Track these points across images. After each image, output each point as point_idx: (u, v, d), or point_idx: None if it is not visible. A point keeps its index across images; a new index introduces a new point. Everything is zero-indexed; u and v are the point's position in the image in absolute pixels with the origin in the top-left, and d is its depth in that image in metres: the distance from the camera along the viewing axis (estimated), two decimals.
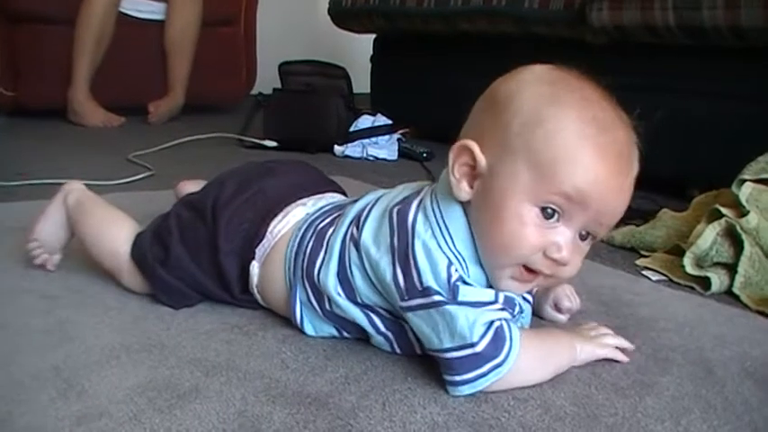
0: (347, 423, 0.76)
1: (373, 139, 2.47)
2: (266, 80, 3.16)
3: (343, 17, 2.95)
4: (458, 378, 0.81)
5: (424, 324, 0.83)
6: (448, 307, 0.80)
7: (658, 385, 0.87)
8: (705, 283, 1.23)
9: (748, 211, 1.24)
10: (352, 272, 0.90)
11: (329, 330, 0.96)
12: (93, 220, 1.15)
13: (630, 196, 0.85)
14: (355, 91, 2.79)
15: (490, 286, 0.86)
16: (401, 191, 0.95)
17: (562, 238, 0.82)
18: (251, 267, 1.01)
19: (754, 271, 1.22)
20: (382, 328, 0.91)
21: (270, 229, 1.01)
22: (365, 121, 2.51)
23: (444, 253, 0.83)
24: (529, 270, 0.84)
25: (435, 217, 0.85)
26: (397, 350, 0.92)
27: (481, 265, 0.86)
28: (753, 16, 1.62)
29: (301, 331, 0.97)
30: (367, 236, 0.89)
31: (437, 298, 0.81)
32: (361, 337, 0.95)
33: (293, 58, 2.89)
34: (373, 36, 3.05)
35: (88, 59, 3.00)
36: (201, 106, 3.36)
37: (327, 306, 0.93)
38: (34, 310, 1.02)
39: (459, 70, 2.63)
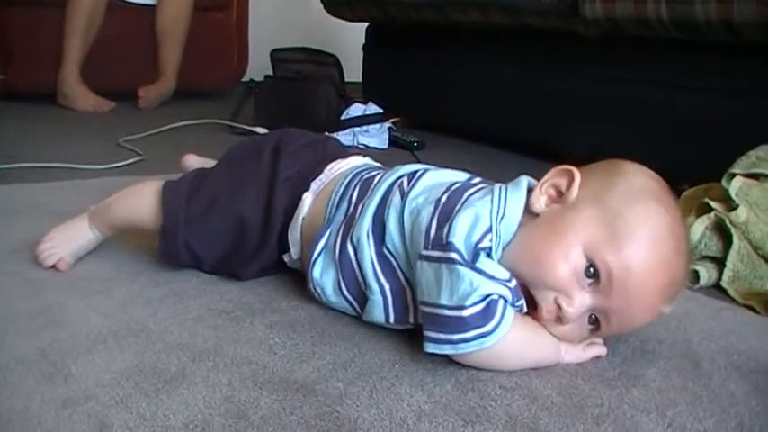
0: (334, 410, 0.76)
1: (364, 128, 2.46)
2: (258, 67, 3.15)
3: (335, 5, 2.94)
4: (441, 336, 0.82)
5: (433, 275, 0.83)
6: (459, 267, 0.81)
7: (645, 377, 0.88)
8: (693, 276, 1.23)
9: (738, 206, 1.25)
10: (388, 213, 0.93)
11: (330, 278, 0.97)
12: (119, 197, 1.15)
13: (644, 326, 0.91)
14: (347, 79, 2.78)
15: None
16: (463, 175, 1.00)
17: (581, 299, 0.85)
18: (304, 197, 1.05)
19: (742, 265, 1.22)
20: (382, 279, 0.92)
21: (329, 167, 1.08)
22: (356, 110, 2.50)
23: (490, 221, 0.85)
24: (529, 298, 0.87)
25: (499, 196, 0.88)
26: (391, 314, 0.92)
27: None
28: (745, 11, 1.62)
29: (307, 280, 1.00)
30: (417, 189, 0.94)
31: (453, 256, 0.81)
32: (352, 298, 0.96)
33: (285, 45, 2.88)
34: (366, 25, 3.04)
35: (79, 43, 2.98)
36: (192, 92, 3.34)
37: (348, 246, 0.95)
38: (20, 293, 1.02)
39: (452, 60, 2.63)
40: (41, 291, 1.03)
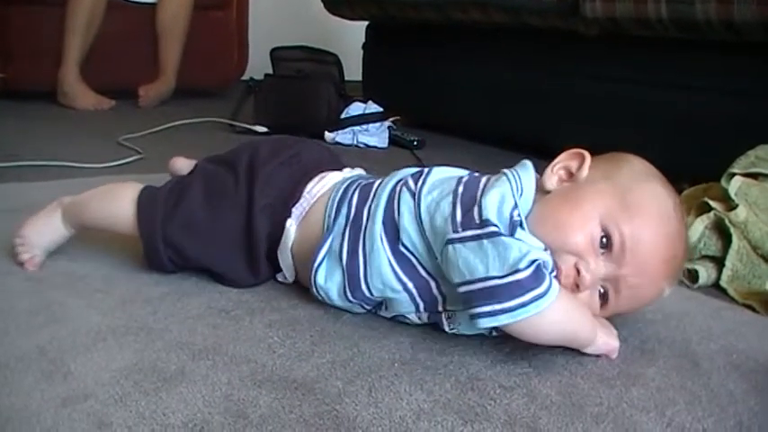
0: (333, 408, 0.76)
1: (364, 127, 2.46)
2: (258, 65, 3.15)
3: (335, 4, 2.94)
4: (498, 307, 0.80)
5: (472, 254, 0.82)
6: (503, 238, 0.82)
7: (644, 376, 0.88)
8: (693, 275, 1.23)
9: (737, 205, 1.25)
10: (400, 212, 0.93)
11: (335, 284, 0.96)
12: (97, 193, 1.14)
13: (652, 302, 0.95)
14: (347, 78, 2.78)
15: None
16: (465, 171, 1.00)
17: (596, 265, 0.88)
18: (287, 225, 1.03)
19: (741, 264, 1.22)
20: (404, 278, 0.92)
21: (307, 189, 1.05)
22: (356, 108, 2.50)
23: (513, 197, 0.88)
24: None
25: (513, 175, 0.92)
26: (420, 304, 0.93)
27: None
28: (745, 11, 1.62)
29: (310, 290, 0.99)
30: (428, 186, 0.94)
31: (493, 229, 0.82)
32: (358, 303, 0.96)
33: (285, 43, 2.88)
34: (365, 23, 3.04)
35: (79, 42, 2.98)
36: (192, 90, 3.35)
37: (359, 254, 0.94)
38: (20, 291, 1.02)
39: (452, 59, 2.63)
40: (41, 289, 1.03)
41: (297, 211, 1.03)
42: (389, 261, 0.92)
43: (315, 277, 0.97)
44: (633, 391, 0.84)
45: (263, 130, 2.48)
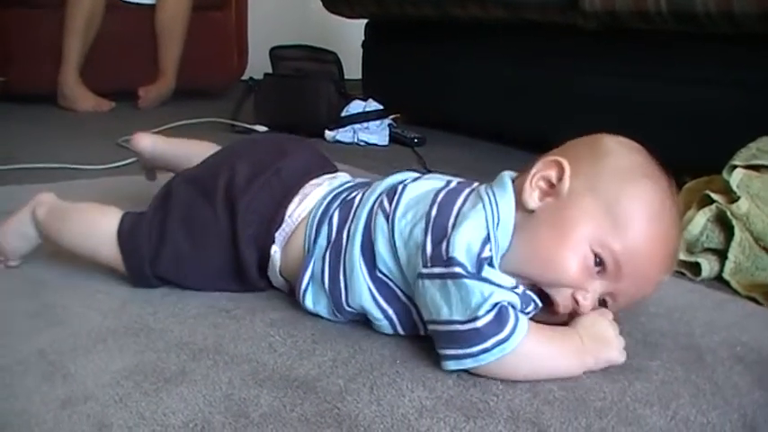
0: (334, 406, 0.75)
1: (364, 125, 2.45)
2: (257, 65, 3.15)
3: (334, 2, 2.94)
4: (461, 352, 0.80)
5: (438, 294, 0.82)
6: (466, 281, 0.80)
7: (648, 370, 0.87)
8: (695, 268, 1.23)
9: (739, 197, 1.24)
10: (376, 237, 0.90)
11: (324, 307, 0.95)
12: (74, 219, 1.09)
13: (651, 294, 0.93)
14: (347, 77, 2.78)
15: None
16: (442, 177, 0.98)
17: (593, 290, 0.86)
18: (272, 252, 1.00)
19: (744, 257, 1.22)
20: (384, 304, 0.90)
21: (288, 213, 1.01)
22: (356, 107, 2.50)
23: (487, 230, 0.84)
24: (541, 294, 0.86)
25: (490, 201, 0.87)
26: (399, 329, 0.91)
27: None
28: (745, 2, 1.61)
29: (300, 305, 0.97)
30: (401, 208, 0.91)
31: (458, 270, 0.80)
32: (354, 316, 0.94)
33: (285, 43, 2.87)
34: (365, 21, 3.03)
35: (78, 44, 2.98)
36: (192, 91, 3.34)
37: (340, 281, 0.92)
38: (20, 293, 1.02)
39: (451, 56, 2.62)
40: (42, 291, 1.03)
41: (280, 236, 1.01)
42: (369, 287, 0.91)
43: (303, 302, 0.96)
44: (637, 385, 0.83)
45: (264, 129, 2.48)
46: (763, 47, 1.69)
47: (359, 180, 1.08)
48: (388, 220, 0.90)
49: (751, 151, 1.32)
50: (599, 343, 0.86)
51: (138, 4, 3.23)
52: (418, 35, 2.76)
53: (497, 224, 0.85)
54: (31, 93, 2.98)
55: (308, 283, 0.96)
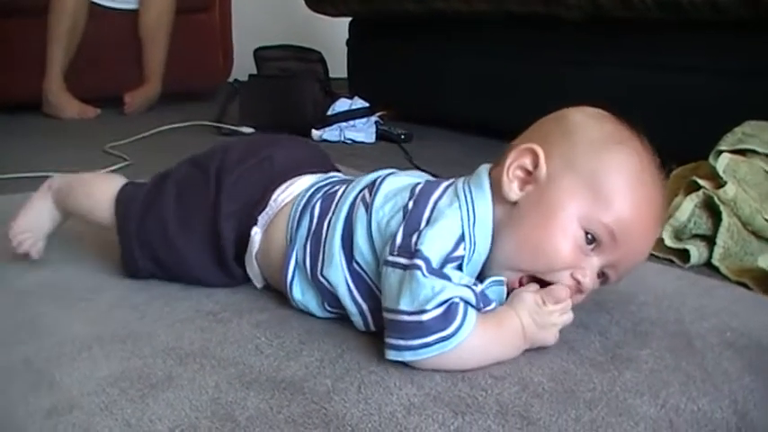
0: (322, 407, 0.75)
1: (351, 123, 2.45)
2: (243, 66, 3.14)
3: (317, 1, 2.93)
4: (402, 342, 0.80)
5: (396, 283, 0.82)
6: (419, 274, 0.79)
7: (637, 359, 0.87)
8: (684, 255, 1.23)
9: (726, 182, 1.24)
10: (355, 228, 0.90)
11: (312, 298, 0.95)
12: (82, 183, 1.16)
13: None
14: (333, 75, 2.77)
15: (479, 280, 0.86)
16: (421, 175, 0.99)
17: (591, 266, 0.86)
18: (252, 233, 1.01)
19: (732, 242, 1.21)
20: (359, 299, 0.90)
21: (274, 197, 1.02)
22: (342, 105, 2.49)
23: (462, 229, 0.84)
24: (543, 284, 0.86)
25: (466, 199, 0.87)
26: (371, 326, 0.91)
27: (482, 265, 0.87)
28: None
29: (288, 301, 0.98)
30: (379, 198, 0.91)
31: (419, 262, 0.80)
32: (339, 312, 0.94)
33: (270, 43, 2.87)
34: (349, 19, 3.03)
35: (61, 51, 2.96)
36: (178, 95, 3.32)
37: (319, 269, 0.92)
38: (4, 303, 1.01)
39: (436, 51, 2.62)
40: (26, 300, 1.02)
41: (262, 219, 1.01)
42: (346, 279, 0.91)
43: (291, 293, 0.96)
44: (626, 375, 0.83)
45: (250, 130, 2.47)
46: (747, 33, 1.70)
47: (345, 177, 1.09)
48: (367, 211, 0.90)
49: (737, 136, 1.32)
50: (537, 325, 0.85)
51: (120, 9, 3.21)
52: (403, 31, 2.76)
53: (473, 223, 0.85)
54: (14, 101, 2.95)
55: (294, 273, 0.96)
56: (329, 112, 2.48)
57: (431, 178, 0.97)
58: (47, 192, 1.16)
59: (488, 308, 0.83)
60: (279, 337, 0.91)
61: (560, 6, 2.01)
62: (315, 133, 2.44)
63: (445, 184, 0.91)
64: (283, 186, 1.03)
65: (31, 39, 2.95)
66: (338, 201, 0.96)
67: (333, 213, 0.94)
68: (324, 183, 1.03)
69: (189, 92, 3.44)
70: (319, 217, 0.96)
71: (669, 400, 0.78)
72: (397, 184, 0.94)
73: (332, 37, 3.30)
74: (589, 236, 0.84)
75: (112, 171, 1.89)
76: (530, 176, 0.87)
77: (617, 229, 0.84)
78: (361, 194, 0.94)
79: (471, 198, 0.87)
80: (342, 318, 0.95)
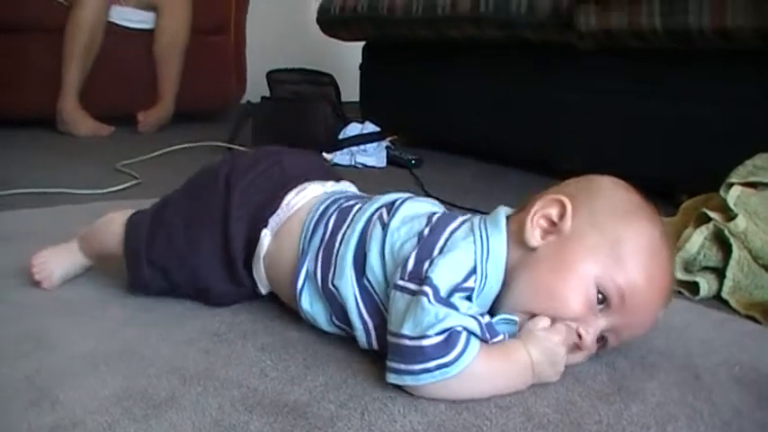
0: None
1: (362, 147, 2.45)
2: (256, 88, 3.15)
3: (331, 24, 2.94)
4: (403, 366, 0.80)
5: (403, 307, 0.82)
6: (425, 300, 0.79)
7: (644, 392, 0.86)
8: (693, 288, 1.22)
9: (736, 215, 1.23)
10: (369, 245, 0.91)
11: (321, 310, 0.95)
12: (99, 223, 1.16)
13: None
14: (346, 100, 2.78)
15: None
16: (440, 205, 1.00)
17: (595, 326, 0.86)
18: (262, 235, 1.01)
19: (742, 275, 1.20)
20: (365, 315, 0.90)
21: (286, 201, 1.03)
22: (353, 129, 2.50)
23: (475, 262, 0.84)
24: None
25: (481, 234, 0.87)
26: (374, 344, 0.91)
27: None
28: (738, 18, 1.61)
29: (296, 310, 0.98)
30: (397, 220, 0.92)
31: (426, 289, 0.80)
32: (345, 328, 0.94)
33: (283, 66, 2.88)
34: (362, 44, 3.04)
35: (77, 69, 2.98)
36: (191, 115, 3.34)
37: (330, 281, 0.93)
38: (9, 318, 1.01)
39: (448, 77, 2.62)
40: (31, 316, 1.02)
41: (273, 221, 1.02)
42: (355, 294, 0.91)
43: (300, 302, 0.96)
44: (633, 408, 0.82)
45: None
46: (759, 63, 1.69)
47: (359, 193, 1.10)
48: (383, 230, 0.91)
49: (748, 168, 1.31)
50: (546, 362, 0.85)
51: (137, 29, 3.23)
52: (415, 57, 2.76)
53: (487, 258, 0.85)
54: (27, 118, 2.97)
55: (304, 283, 0.96)
56: (340, 136, 2.48)
57: (447, 210, 0.97)
58: (74, 239, 1.17)
59: (496, 339, 0.83)
60: (283, 361, 0.90)
61: (573, 34, 2.01)
62: (326, 157, 2.44)
63: (462, 218, 0.92)
64: (295, 191, 1.04)
65: (46, 55, 2.97)
66: (354, 215, 0.97)
67: (348, 227, 0.95)
68: (339, 195, 1.04)
69: (202, 112, 3.46)
70: (333, 229, 0.96)
71: None
72: (416, 209, 0.95)
73: (345, 61, 3.31)
74: (600, 296, 0.85)
75: (123, 189, 1.90)
76: (553, 227, 0.88)
77: (628, 293, 0.84)
78: (378, 212, 0.95)
79: (487, 234, 0.87)
80: (347, 343, 0.94)
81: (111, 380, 0.84)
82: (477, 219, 0.92)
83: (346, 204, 1.00)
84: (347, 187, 1.11)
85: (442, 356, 0.78)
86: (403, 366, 0.80)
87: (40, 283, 1.11)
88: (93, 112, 3.02)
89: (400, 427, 0.76)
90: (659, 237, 0.88)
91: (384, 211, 0.95)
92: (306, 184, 1.06)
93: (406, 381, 0.80)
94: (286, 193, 1.04)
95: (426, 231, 0.88)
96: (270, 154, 1.10)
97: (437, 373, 0.79)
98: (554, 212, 0.89)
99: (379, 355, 0.90)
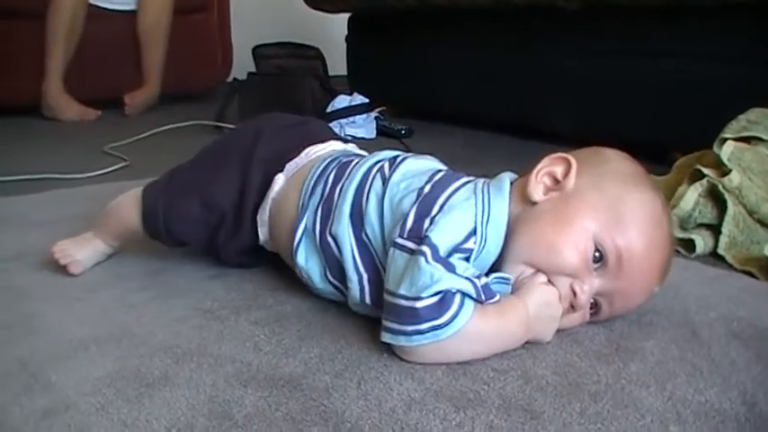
0: (320, 404, 0.73)
1: (351, 119, 2.43)
2: (242, 64, 3.13)
3: None
4: (397, 326, 0.80)
5: (402, 265, 0.81)
6: (422, 261, 0.79)
7: (643, 350, 0.86)
8: (689, 245, 1.21)
9: (730, 170, 1.22)
10: (368, 198, 0.91)
11: (316, 265, 0.95)
12: (110, 206, 1.14)
13: (639, 306, 0.92)
14: (333, 73, 2.76)
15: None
16: (443, 166, 1.00)
17: (590, 284, 0.85)
18: (276, 178, 1.03)
19: (738, 230, 1.20)
20: (361, 268, 0.90)
21: (306, 150, 1.06)
22: (342, 101, 2.48)
23: (475, 224, 0.84)
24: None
25: (483, 197, 0.87)
26: (367, 299, 0.90)
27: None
28: None
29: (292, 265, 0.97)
30: (398, 174, 0.92)
31: (425, 249, 0.79)
32: (339, 286, 0.93)
33: (268, 41, 2.85)
34: (347, 16, 3.01)
35: (60, 53, 2.95)
36: (178, 95, 3.31)
37: (328, 229, 0.93)
38: (0, 303, 0.99)
39: (435, 46, 2.61)
40: (22, 300, 1.00)
41: (290, 166, 1.04)
42: (352, 246, 0.91)
43: (296, 257, 0.96)
44: (632, 366, 0.82)
45: None
46: (750, 18, 1.68)
47: (364, 153, 1.10)
48: (384, 184, 0.91)
49: (741, 123, 1.30)
50: (542, 316, 0.84)
51: (119, 10, 3.19)
52: (401, 27, 2.74)
53: (487, 221, 0.85)
54: (13, 104, 2.93)
55: (301, 238, 0.96)
56: (329, 109, 2.46)
57: (450, 172, 0.96)
58: (90, 231, 1.15)
59: (492, 300, 0.82)
60: (277, 334, 0.89)
61: None
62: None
63: (466, 179, 0.92)
64: (319, 145, 1.07)
65: (30, 41, 2.93)
66: (352, 168, 0.97)
67: (345, 179, 0.95)
68: (342, 154, 1.06)
69: (188, 92, 3.43)
70: (332, 184, 0.97)
71: (676, 391, 0.76)
72: (419, 166, 0.95)
73: (331, 34, 3.28)
74: (597, 253, 0.84)
75: (110, 172, 1.88)
76: (556, 185, 0.88)
77: (626, 255, 0.83)
78: (379, 165, 0.96)
79: (489, 198, 0.87)
80: (341, 313, 0.94)
81: (103, 361, 0.83)
82: (480, 181, 0.91)
83: (346, 160, 1.01)
84: (352, 147, 1.13)
85: (435, 318, 0.78)
86: (397, 326, 0.80)
87: (67, 267, 1.09)
88: (79, 96, 2.99)
89: (397, 395, 0.75)
90: (661, 208, 0.87)
91: (386, 164, 0.95)
92: (331, 142, 1.09)
93: (400, 341, 0.80)
94: (311, 144, 1.07)
95: (427, 188, 0.88)
96: (296, 116, 1.16)
97: (429, 335, 0.78)
98: (559, 170, 0.89)
99: (373, 324, 0.89)
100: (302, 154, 1.05)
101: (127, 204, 1.10)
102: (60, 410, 0.73)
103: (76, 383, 0.78)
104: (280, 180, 1.03)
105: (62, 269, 1.09)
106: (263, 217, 1.03)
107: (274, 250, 1.06)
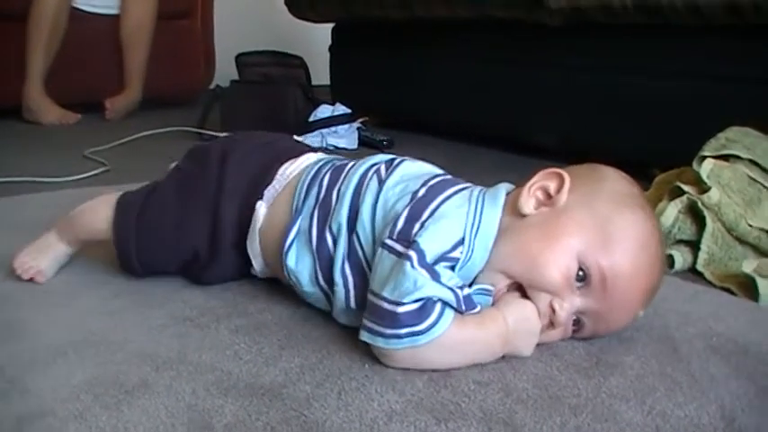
0: (301, 414, 0.73)
1: (333, 129, 2.43)
2: (225, 71, 3.12)
3: (299, 6, 2.90)
4: (377, 328, 0.80)
5: (389, 266, 0.82)
6: (408, 266, 0.79)
7: (623, 365, 0.86)
8: (668, 261, 1.21)
9: (710, 188, 1.23)
10: (363, 198, 0.91)
11: (306, 267, 0.94)
12: (84, 209, 1.12)
13: (626, 327, 0.91)
14: (317, 83, 2.75)
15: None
16: (440, 171, 0.99)
17: (571, 302, 0.85)
18: (257, 207, 1.01)
19: (717, 247, 1.21)
20: (347, 271, 0.90)
21: (281, 171, 1.03)
22: (324, 111, 2.47)
23: (464, 233, 0.83)
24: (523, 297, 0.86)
25: (476, 206, 0.87)
26: (352, 303, 0.90)
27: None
28: None
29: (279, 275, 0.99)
30: (395, 177, 0.93)
31: (411, 254, 0.79)
32: (326, 289, 0.93)
33: (252, 49, 2.85)
34: (331, 25, 3.01)
35: (41, 56, 2.92)
36: (159, 100, 3.30)
37: (326, 236, 0.92)
38: None
39: (419, 57, 2.61)
40: (0, 306, 0.99)
41: (268, 193, 1.02)
42: (343, 249, 0.91)
43: (285, 260, 0.95)
44: (612, 380, 0.82)
45: None
46: (730, 38, 1.69)
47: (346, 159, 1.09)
48: (380, 184, 0.92)
49: (720, 141, 1.31)
50: (520, 331, 0.84)
51: (101, 14, 3.17)
52: (385, 38, 2.74)
53: (476, 232, 0.84)
54: None
55: (294, 240, 0.95)
56: (311, 119, 2.45)
57: (446, 177, 0.96)
58: (53, 230, 1.12)
59: (472, 311, 0.82)
60: (258, 343, 0.89)
61: (543, 11, 2.00)
62: (296, 139, 2.42)
63: (462, 185, 0.92)
64: (288, 163, 1.04)
65: (11, 43, 2.90)
66: (348, 171, 0.97)
67: (342, 182, 0.95)
68: (329, 159, 1.05)
69: (170, 98, 3.41)
70: (328, 187, 0.96)
71: (655, 405, 0.77)
72: (415, 170, 0.95)
73: (315, 43, 3.28)
74: (581, 272, 0.84)
75: (89, 177, 1.87)
76: (548, 200, 0.88)
77: (610, 276, 0.83)
78: (375, 167, 0.96)
79: (482, 208, 0.87)
80: (322, 323, 0.94)
81: (81, 368, 0.82)
82: (477, 189, 0.91)
83: (340, 164, 1.01)
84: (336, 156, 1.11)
85: (415, 325, 0.78)
86: (376, 327, 0.80)
87: (33, 279, 1.08)
88: (60, 99, 2.97)
89: (378, 405, 0.75)
90: (651, 231, 0.86)
91: (382, 167, 0.96)
92: (301, 156, 1.06)
93: (378, 342, 0.80)
94: (281, 164, 1.04)
95: (422, 192, 0.88)
96: (263, 135, 1.13)
97: (407, 340, 0.78)
98: (552, 186, 0.88)
99: (355, 334, 0.88)
100: (277, 176, 1.02)
101: (98, 214, 1.08)
102: (36, 417, 0.72)
103: (54, 390, 0.77)
104: (262, 208, 1.01)
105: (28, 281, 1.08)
106: (254, 248, 1.02)
107: (268, 276, 1.05)
